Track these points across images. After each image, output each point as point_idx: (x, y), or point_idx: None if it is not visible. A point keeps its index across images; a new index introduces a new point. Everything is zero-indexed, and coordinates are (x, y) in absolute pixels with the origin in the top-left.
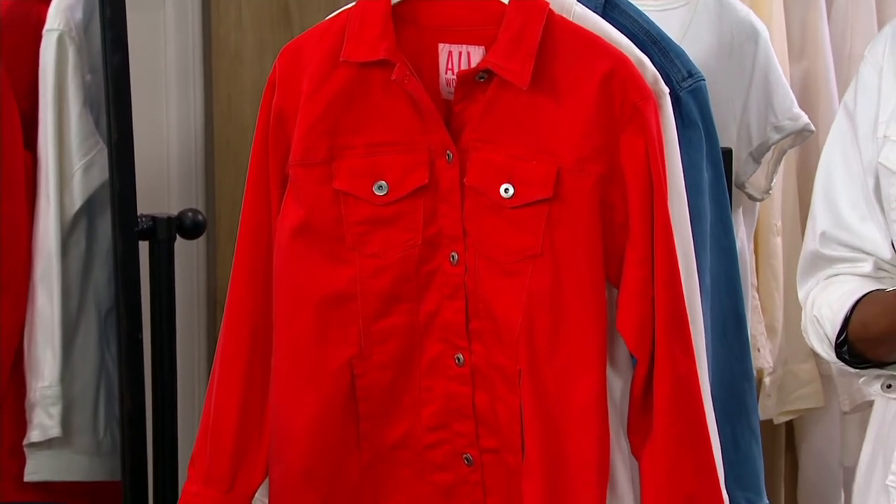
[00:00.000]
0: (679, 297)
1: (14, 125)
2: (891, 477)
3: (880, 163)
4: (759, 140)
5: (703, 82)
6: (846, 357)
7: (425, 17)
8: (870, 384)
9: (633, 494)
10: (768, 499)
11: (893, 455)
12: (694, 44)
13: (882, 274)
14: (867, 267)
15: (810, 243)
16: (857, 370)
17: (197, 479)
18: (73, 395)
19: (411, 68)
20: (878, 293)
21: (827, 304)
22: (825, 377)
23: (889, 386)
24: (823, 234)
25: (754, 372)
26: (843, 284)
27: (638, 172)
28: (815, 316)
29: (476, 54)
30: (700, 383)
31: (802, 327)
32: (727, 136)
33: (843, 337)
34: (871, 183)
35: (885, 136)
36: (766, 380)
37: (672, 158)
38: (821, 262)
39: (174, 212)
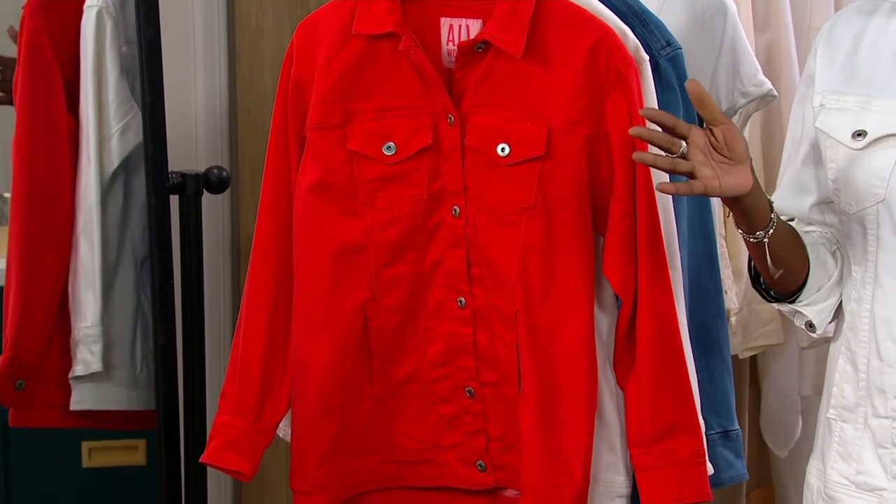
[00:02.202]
0: (659, 244)
1: (58, 92)
2: (831, 411)
3: (817, 127)
4: (727, 104)
5: (680, 51)
6: (764, 291)
7: None
8: (796, 320)
9: (618, 421)
10: None
11: (833, 391)
12: (670, 17)
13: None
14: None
15: None
16: (773, 302)
17: (227, 411)
18: (112, 334)
19: (416, 40)
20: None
21: None
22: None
23: (810, 325)
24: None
25: (726, 311)
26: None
27: (622, 132)
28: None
29: (474, 27)
30: (678, 321)
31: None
32: None
33: (752, 271)
34: (807, 148)
35: (821, 105)
36: (733, 319)
37: None
38: None
39: (201, 169)
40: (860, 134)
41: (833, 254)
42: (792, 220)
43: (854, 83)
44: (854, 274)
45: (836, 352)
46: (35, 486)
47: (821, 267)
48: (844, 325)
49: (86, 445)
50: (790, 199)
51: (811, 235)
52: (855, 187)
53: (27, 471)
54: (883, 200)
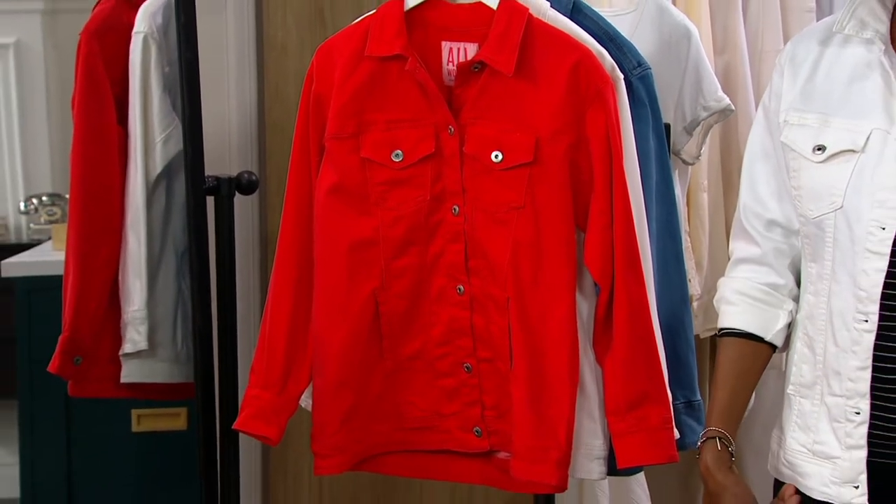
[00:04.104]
0: (633, 238)
1: (109, 107)
2: (790, 387)
3: (782, 141)
4: (691, 117)
5: (650, 71)
6: None
7: (431, 21)
8: None
9: (597, 393)
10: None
11: (792, 370)
12: (641, 41)
13: (775, 255)
14: (758, 251)
15: (738, 213)
16: None
17: (256, 384)
18: (156, 317)
19: (420, 61)
20: (723, 354)
21: (724, 300)
22: None
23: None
24: (745, 207)
25: (689, 297)
26: (735, 302)
27: (600, 141)
28: (715, 304)
29: (471, 49)
30: (649, 306)
31: (715, 301)
32: (666, 114)
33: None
34: (782, 160)
35: (785, 121)
36: (695, 304)
37: (626, 130)
38: (739, 230)
39: (234, 173)
40: (820, 148)
41: (794, 297)
42: (759, 242)
43: (813, 102)
44: (810, 269)
45: (794, 336)
46: (92, 448)
47: (783, 331)
48: (802, 313)
49: (135, 413)
50: (788, 207)
51: (778, 309)
52: (815, 195)
53: (85, 434)
54: (840, 208)
